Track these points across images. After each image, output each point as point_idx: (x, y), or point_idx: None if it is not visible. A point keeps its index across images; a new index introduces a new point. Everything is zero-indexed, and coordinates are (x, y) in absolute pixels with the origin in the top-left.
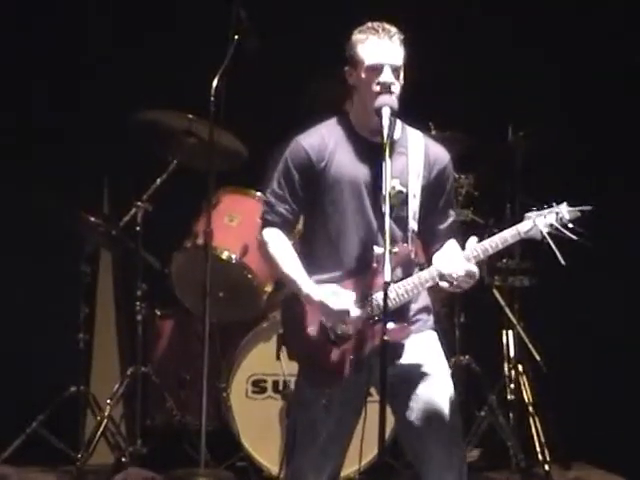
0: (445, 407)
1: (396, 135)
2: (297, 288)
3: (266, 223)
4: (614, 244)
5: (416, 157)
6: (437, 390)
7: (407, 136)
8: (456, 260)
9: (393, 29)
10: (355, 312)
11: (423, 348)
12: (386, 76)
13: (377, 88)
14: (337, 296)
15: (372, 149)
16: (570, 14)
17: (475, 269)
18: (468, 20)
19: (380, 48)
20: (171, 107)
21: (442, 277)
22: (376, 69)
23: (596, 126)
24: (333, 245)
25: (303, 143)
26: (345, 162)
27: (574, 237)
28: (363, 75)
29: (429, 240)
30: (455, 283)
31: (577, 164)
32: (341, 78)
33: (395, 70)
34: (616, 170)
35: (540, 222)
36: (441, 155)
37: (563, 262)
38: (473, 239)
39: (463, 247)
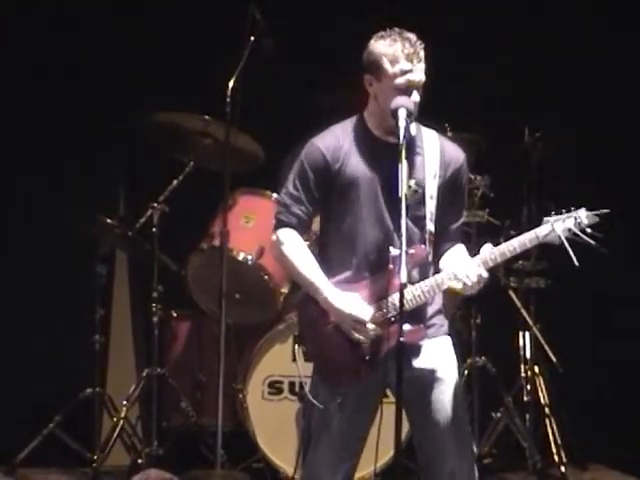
0: (457, 412)
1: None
2: (314, 290)
3: (281, 224)
4: (630, 245)
5: (432, 157)
6: (450, 396)
7: (422, 136)
8: (470, 264)
9: (418, 44)
10: (372, 327)
11: (438, 354)
12: (415, 97)
13: None
14: (357, 306)
15: (387, 149)
16: (588, 15)
17: (485, 274)
18: (483, 21)
19: (410, 70)
20: (187, 108)
21: (455, 279)
22: (405, 90)
23: (612, 128)
24: (349, 246)
25: (319, 144)
26: (360, 163)
27: (592, 242)
28: (388, 90)
29: (440, 239)
30: (466, 286)
31: (593, 165)
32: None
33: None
34: (632, 172)
35: (558, 227)
36: (456, 154)
37: (577, 264)
38: (488, 246)
39: (476, 250)
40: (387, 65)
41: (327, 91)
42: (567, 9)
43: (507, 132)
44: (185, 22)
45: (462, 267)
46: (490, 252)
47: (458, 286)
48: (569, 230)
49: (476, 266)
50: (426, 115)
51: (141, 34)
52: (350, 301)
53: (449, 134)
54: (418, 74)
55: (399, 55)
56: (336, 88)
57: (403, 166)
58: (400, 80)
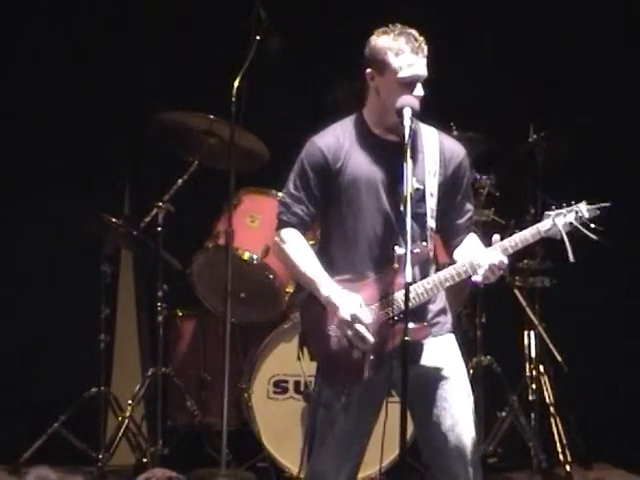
0: (462, 409)
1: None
2: (316, 288)
3: (282, 224)
4: (635, 244)
5: (431, 154)
6: (455, 394)
7: (422, 133)
8: (488, 252)
9: (421, 39)
10: (369, 337)
11: (442, 352)
12: (419, 91)
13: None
14: (358, 309)
15: (388, 147)
16: (589, 16)
17: (506, 260)
18: (488, 21)
19: (415, 64)
20: (192, 108)
21: (475, 269)
22: (409, 84)
23: (616, 126)
24: (351, 245)
25: (319, 143)
26: (361, 161)
27: (593, 236)
28: (391, 84)
29: (449, 235)
30: (487, 274)
31: (598, 164)
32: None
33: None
34: (637, 170)
35: (559, 221)
36: (456, 150)
37: (572, 259)
38: (496, 237)
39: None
40: (391, 58)
41: (337, 87)
42: (567, 9)
43: (512, 131)
44: (190, 21)
45: (482, 256)
46: (510, 240)
47: (477, 277)
48: (570, 224)
49: (497, 253)
50: (432, 114)
51: (145, 33)
52: (352, 302)
53: (455, 133)
54: (422, 68)
55: (404, 48)
56: (341, 85)
57: (409, 166)
58: (404, 73)
